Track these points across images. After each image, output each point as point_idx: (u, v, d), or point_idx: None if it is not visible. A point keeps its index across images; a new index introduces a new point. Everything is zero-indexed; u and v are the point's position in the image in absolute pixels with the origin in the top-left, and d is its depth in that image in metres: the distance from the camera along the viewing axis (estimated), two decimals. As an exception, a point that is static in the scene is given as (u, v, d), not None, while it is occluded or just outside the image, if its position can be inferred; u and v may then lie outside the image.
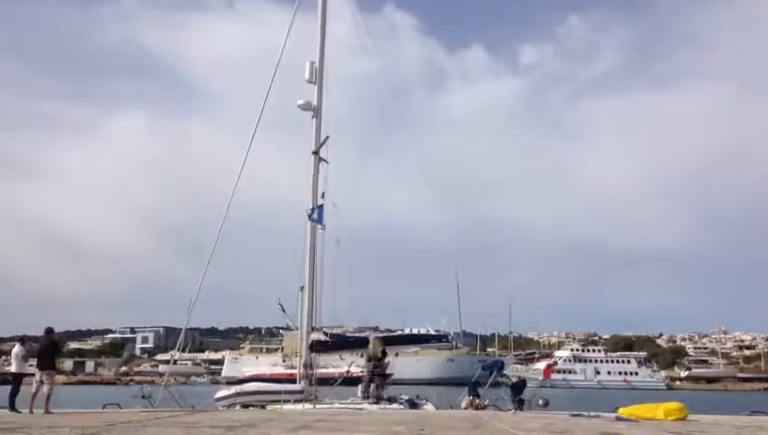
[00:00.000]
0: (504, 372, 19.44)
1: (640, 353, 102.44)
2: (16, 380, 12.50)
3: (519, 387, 15.43)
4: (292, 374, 17.85)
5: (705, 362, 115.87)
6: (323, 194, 16.79)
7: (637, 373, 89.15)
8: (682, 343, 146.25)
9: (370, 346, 15.94)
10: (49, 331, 12.82)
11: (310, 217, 16.47)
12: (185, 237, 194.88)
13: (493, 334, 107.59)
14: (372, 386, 14.89)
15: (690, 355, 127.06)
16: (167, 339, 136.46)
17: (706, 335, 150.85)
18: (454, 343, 18.92)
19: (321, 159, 17.14)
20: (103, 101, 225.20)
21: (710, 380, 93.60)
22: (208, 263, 15.78)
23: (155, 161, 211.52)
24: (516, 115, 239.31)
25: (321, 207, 16.58)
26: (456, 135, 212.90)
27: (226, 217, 16.20)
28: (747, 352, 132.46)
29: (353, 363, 20.85)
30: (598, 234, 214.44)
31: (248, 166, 16.86)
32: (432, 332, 50.82)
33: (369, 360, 15.44)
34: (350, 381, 17.71)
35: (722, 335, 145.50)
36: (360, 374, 17.93)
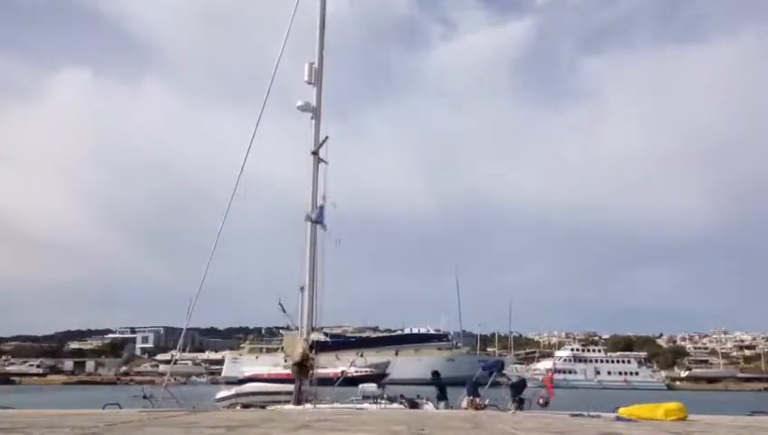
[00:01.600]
0: (504, 371, 19.44)
1: (640, 353, 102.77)
2: None
3: (519, 387, 15.43)
4: (292, 375, 17.84)
5: (706, 362, 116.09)
6: (324, 196, 16.79)
7: (637, 373, 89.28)
8: (682, 343, 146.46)
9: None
10: None
11: (310, 219, 16.48)
12: (150, 228, 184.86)
13: (493, 334, 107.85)
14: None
15: (690, 355, 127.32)
16: (167, 339, 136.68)
17: (706, 335, 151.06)
18: (454, 343, 18.79)
19: (320, 160, 17.14)
20: (37, 60, 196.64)
21: (710, 380, 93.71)
22: (209, 262, 15.72)
23: (106, 132, 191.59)
24: (515, 73, 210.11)
25: (321, 208, 16.60)
26: (443, 103, 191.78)
27: (227, 216, 16.08)
28: (747, 352, 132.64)
29: (353, 363, 20.84)
30: (600, 224, 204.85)
31: (240, 156, 16.48)
32: (432, 331, 50.79)
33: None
34: (349, 381, 17.72)
35: (722, 335, 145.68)
36: (360, 374, 17.95)
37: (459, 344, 71.51)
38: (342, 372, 18.67)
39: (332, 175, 17.20)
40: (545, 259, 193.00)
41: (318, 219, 16.42)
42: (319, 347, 16.01)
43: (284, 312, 17.47)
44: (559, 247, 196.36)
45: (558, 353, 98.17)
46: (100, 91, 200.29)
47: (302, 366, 15.59)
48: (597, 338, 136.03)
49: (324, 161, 17.13)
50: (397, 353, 45.42)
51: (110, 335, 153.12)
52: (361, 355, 19.49)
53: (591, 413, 11.35)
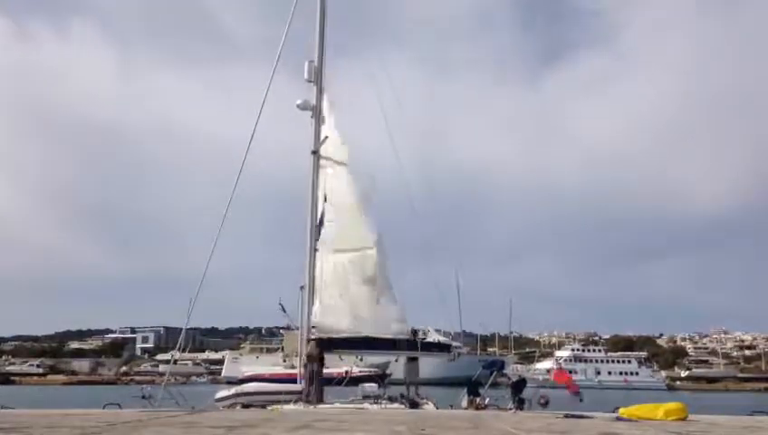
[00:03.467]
0: (505, 371, 19.40)
1: (640, 353, 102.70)
2: None
3: (519, 386, 15.41)
4: (292, 374, 17.77)
5: (706, 362, 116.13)
6: (326, 197, 16.76)
7: (637, 373, 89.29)
8: (682, 343, 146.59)
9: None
10: None
11: (318, 231, 16.55)
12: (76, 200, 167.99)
13: (493, 334, 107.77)
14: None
15: (690, 355, 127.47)
16: (167, 339, 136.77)
17: (706, 335, 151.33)
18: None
19: (320, 159, 17.13)
20: None
21: (710, 380, 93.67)
22: (208, 261, 15.72)
23: (19, 80, 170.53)
24: (512, 15, 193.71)
25: (323, 213, 16.66)
26: (429, 58, 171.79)
27: (227, 214, 16.02)
28: (747, 352, 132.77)
29: (354, 363, 20.76)
30: (601, 215, 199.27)
31: (240, 150, 16.34)
32: (432, 331, 50.65)
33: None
34: (350, 381, 17.68)
35: (722, 335, 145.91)
36: (364, 374, 17.84)
37: (460, 344, 71.49)
38: (347, 371, 18.58)
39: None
40: (545, 253, 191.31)
41: (321, 226, 16.52)
42: (326, 344, 15.82)
43: (284, 312, 17.51)
44: (558, 238, 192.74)
45: (558, 353, 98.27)
46: (19, 36, 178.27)
47: (320, 360, 15.33)
48: (597, 338, 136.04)
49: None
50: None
51: (111, 335, 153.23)
52: (361, 359, 19.39)
53: (592, 413, 11.35)
